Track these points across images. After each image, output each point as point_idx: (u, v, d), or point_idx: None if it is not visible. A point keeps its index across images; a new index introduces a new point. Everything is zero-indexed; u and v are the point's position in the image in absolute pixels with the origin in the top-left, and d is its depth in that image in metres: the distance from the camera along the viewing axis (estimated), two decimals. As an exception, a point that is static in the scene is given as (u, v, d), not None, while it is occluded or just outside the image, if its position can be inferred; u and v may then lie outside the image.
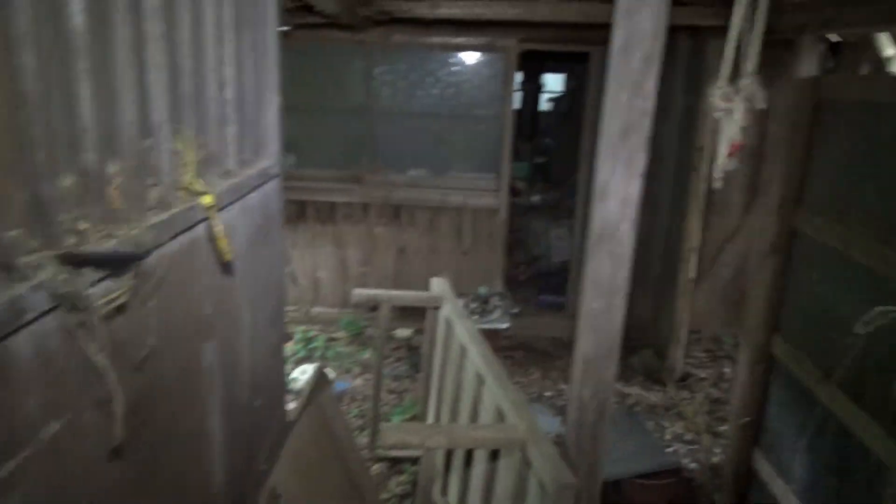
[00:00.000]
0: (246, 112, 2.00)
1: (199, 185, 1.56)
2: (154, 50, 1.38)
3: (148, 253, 1.27)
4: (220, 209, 1.73)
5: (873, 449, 2.55)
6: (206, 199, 1.55)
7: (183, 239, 1.52)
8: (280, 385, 2.64)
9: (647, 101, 2.13)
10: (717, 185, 1.69)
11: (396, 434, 2.42)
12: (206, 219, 1.61)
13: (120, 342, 1.23)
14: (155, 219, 1.37)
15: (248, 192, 1.98)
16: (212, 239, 1.65)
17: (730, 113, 1.58)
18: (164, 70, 1.41)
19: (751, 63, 1.54)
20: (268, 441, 2.48)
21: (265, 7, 2.12)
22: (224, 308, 1.87)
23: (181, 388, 1.61)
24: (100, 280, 1.15)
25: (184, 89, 1.58)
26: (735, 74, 1.63)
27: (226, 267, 1.78)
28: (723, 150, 1.59)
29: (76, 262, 1.05)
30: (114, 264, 1.16)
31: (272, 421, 2.55)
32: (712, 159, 1.65)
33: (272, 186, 2.24)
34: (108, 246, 1.18)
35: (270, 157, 2.23)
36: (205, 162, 1.71)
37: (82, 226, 1.15)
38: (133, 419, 1.36)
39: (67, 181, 1.09)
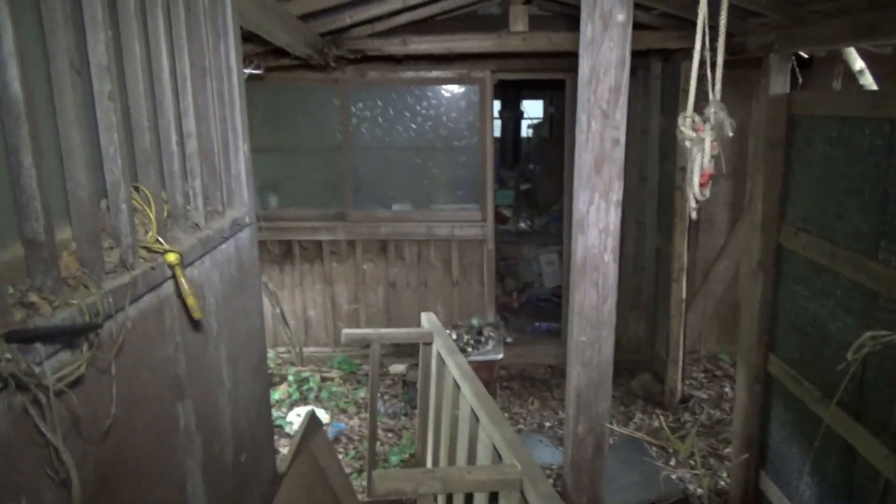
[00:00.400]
0: (212, 163, 1.97)
1: (162, 243, 1.52)
2: (105, 109, 1.35)
3: (104, 321, 1.22)
4: (188, 265, 1.69)
5: (879, 468, 2.49)
6: (171, 257, 1.51)
7: (148, 300, 1.48)
8: (267, 435, 2.56)
9: (618, 130, 2.12)
10: (693, 215, 1.65)
11: (389, 482, 2.34)
12: (172, 276, 1.57)
13: (78, 416, 1.18)
14: (115, 282, 1.33)
15: (219, 244, 1.94)
16: (181, 296, 1.60)
17: (700, 142, 1.56)
18: (117, 129, 1.38)
19: (715, 90, 1.53)
20: (257, 495, 2.40)
21: (227, 56, 2.11)
22: (199, 365, 1.81)
23: (155, 454, 1.55)
24: (52, 354, 1.10)
25: (141, 146, 1.55)
26: (703, 101, 1.61)
27: (198, 323, 1.74)
28: (695, 179, 1.56)
29: (22, 338, 1.01)
30: (65, 336, 1.11)
31: (261, 474, 2.48)
32: (687, 186, 1.62)
33: (245, 236, 2.20)
34: (61, 316, 1.13)
35: (242, 206, 2.19)
36: (169, 217, 1.67)
37: (32, 298, 1.10)
38: (100, 492, 1.30)
39: (11, 253, 1.04)
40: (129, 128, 1.54)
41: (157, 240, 1.52)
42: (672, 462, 4.19)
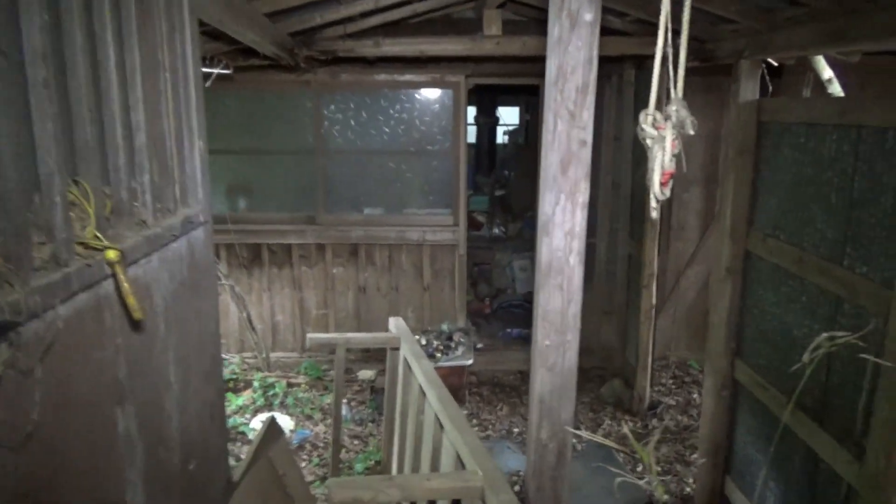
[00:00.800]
0: (164, 159, 1.89)
1: (101, 239, 1.44)
2: (39, 97, 1.27)
3: (26, 320, 1.14)
4: (133, 263, 1.61)
5: (842, 473, 2.48)
6: (110, 254, 1.43)
7: (84, 299, 1.40)
8: (221, 443, 2.48)
9: (585, 130, 2.09)
10: (654, 214, 1.62)
11: (345, 491, 2.27)
12: (112, 275, 1.49)
13: (-5, 421, 1.10)
14: (44, 280, 1.25)
15: (169, 243, 1.86)
16: (122, 296, 1.52)
17: (661, 140, 1.53)
18: (52, 118, 1.30)
19: (678, 87, 1.50)
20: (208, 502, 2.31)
21: (183, 50, 2.03)
22: (144, 368, 1.73)
23: (90, 462, 1.47)
24: (-35, 354, 1.03)
25: (82, 137, 1.47)
26: (666, 101, 1.58)
27: (141, 325, 1.66)
28: (656, 178, 1.53)
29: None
30: (-23, 336, 1.03)
31: (213, 483, 2.39)
32: (648, 185, 1.59)
33: (199, 235, 2.12)
34: (-23, 315, 1.06)
35: (196, 204, 2.11)
36: (112, 214, 1.59)
37: (-56, 295, 1.02)
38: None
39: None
40: (69, 119, 1.46)
41: (96, 236, 1.44)
42: (640, 468, 4.17)
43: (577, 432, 2.18)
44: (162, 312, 1.83)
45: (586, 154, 2.15)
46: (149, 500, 1.73)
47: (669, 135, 1.54)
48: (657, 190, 1.53)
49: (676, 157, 1.53)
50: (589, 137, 2.13)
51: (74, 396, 1.38)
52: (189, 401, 2.04)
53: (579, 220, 2.22)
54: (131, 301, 1.47)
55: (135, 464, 1.66)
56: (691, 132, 1.50)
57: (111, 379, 1.54)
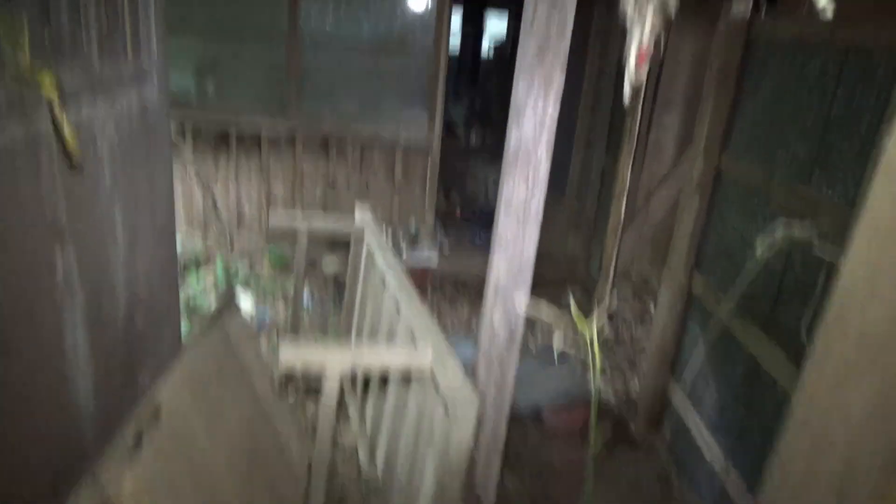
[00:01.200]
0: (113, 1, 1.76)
1: (35, 71, 1.34)
2: None
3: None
4: (74, 102, 1.53)
5: (777, 378, 2.59)
6: (45, 81, 1.34)
7: (14, 130, 1.32)
8: (172, 305, 2.46)
9: (565, 15, 1.99)
10: (626, 100, 1.57)
11: (295, 352, 2.26)
12: (49, 107, 1.40)
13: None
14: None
15: (116, 90, 1.77)
16: (59, 133, 1.44)
17: (641, 19, 1.46)
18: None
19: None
20: (156, 362, 2.32)
21: None
22: (84, 213, 1.67)
23: (25, 297, 1.43)
24: None
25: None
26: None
27: (82, 167, 1.59)
28: (632, 59, 1.47)
29: None
30: None
31: (162, 341, 2.39)
32: (624, 74, 1.53)
33: (151, 92, 2.01)
34: None
35: (149, 58, 2.00)
36: (52, 48, 1.49)
37: None
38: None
39: None
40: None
41: (29, 63, 1.34)
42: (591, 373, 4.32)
43: (529, 312, 2.20)
44: (108, 161, 1.76)
45: (565, 45, 2.06)
46: (90, 345, 1.72)
47: (650, 13, 1.47)
48: (632, 70, 1.47)
49: (654, 36, 1.47)
50: (569, 25, 2.03)
51: (6, 229, 1.33)
52: (137, 257, 2.00)
53: (551, 111, 2.16)
54: (68, 133, 1.40)
55: (75, 308, 1.64)
56: (673, 12, 1.43)
57: (49, 217, 1.49)
